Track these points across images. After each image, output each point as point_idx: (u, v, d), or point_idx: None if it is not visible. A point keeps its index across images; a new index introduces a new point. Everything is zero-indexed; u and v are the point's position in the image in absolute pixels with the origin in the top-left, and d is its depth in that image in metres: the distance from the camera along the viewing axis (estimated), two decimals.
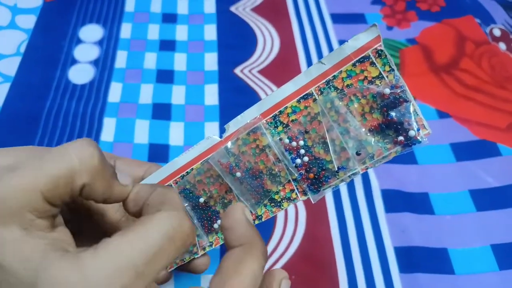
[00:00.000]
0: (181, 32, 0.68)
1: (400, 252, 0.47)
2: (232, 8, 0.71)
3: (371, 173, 0.52)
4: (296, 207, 0.50)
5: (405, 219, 0.49)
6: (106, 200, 0.27)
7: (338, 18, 0.70)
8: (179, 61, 0.64)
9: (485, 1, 0.72)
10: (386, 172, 0.53)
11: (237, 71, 0.63)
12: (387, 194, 0.51)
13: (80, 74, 0.61)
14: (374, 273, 0.45)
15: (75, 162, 0.23)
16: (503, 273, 0.45)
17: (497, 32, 0.67)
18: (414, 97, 0.59)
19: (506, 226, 0.48)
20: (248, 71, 0.62)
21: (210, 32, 0.68)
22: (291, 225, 0.49)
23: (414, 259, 0.46)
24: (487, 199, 0.50)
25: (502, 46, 0.66)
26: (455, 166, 0.53)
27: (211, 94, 0.60)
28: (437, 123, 0.57)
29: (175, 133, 0.56)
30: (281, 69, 0.62)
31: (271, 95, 0.31)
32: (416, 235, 0.48)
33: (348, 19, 0.69)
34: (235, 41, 0.67)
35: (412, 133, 0.27)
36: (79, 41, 0.65)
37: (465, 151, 0.54)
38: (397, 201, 0.50)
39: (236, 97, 0.59)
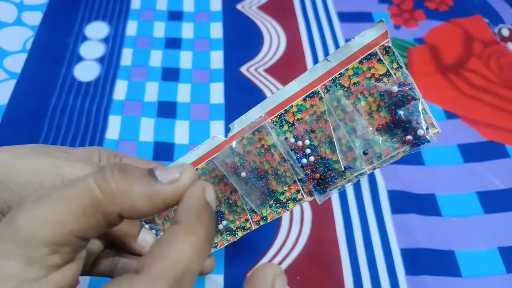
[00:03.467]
0: (187, 30, 0.68)
1: (406, 254, 0.46)
2: (239, 6, 0.71)
3: (378, 174, 0.52)
4: (301, 207, 0.50)
5: (412, 221, 0.48)
6: (160, 208, 0.24)
7: (345, 17, 0.69)
8: (185, 59, 0.64)
9: (494, 1, 0.72)
10: (393, 173, 0.52)
11: (243, 69, 0.62)
12: (393, 195, 0.50)
13: (86, 71, 0.61)
14: (380, 275, 0.45)
15: (96, 192, 0.22)
16: (510, 276, 0.45)
17: (505, 32, 0.67)
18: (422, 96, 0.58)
19: None
20: (254, 70, 0.62)
21: (216, 30, 0.68)
22: (296, 225, 0.48)
23: (420, 261, 0.46)
24: (495, 201, 0.50)
25: (510, 46, 0.65)
26: (462, 167, 0.53)
27: (217, 93, 0.60)
28: (445, 123, 0.57)
29: (180, 132, 0.56)
30: (287, 68, 0.62)
31: (276, 94, 0.31)
32: (422, 237, 0.47)
33: (355, 18, 0.69)
34: (241, 39, 0.66)
35: (420, 132, 0.26)
36: (84, 38, 0.65)
37: (473, 153, 0.54)
38: (404, 202, 0.50)
39: (242, 96, 0.59)
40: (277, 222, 0.48)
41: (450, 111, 0.58)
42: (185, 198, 0.23)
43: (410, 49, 0.65)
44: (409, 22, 0.69)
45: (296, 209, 0.49)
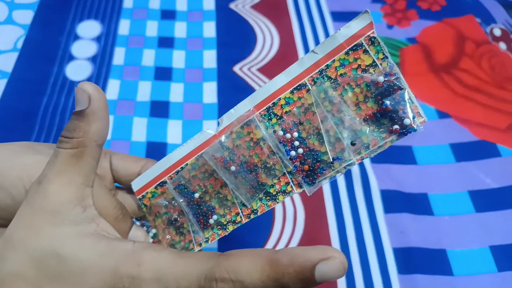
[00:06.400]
0: (179, 29, 0.68)
1: (399, 253, 0.46)
2: (232, 5, 0.71)
3: (370, 173, 0.52)
4: (294, 207, 0.49)
5: (404, 220, 0.48)
6: None
7: (338, 16, 0.69)
8: (178, 59, 0.64)
9: (486, 1, 0.72)
10: (386, 172, 0.52)
11: (236, 69, 0.62)
12: (386, 195, 0.50)
13: (78, 70, 0.61)
14: (373, 274, 0.45)
15: None
16: (501, 274, 0.45)
17: (497, 32, 0.67)
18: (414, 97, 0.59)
19: (505, 227, 0.48)
20: (247, 69, 0.62)
21: (209, 29, 0.68)
22: (289, 225, 0.48)
23: (412, 260, 0.46)
24: (486, 200, 0.50)
25: (502, 46, 0.65)
26: (454, 166, 0.53)
27: (210, 92, 0.60)
28: (437, 123, 0.57)
29: (173, 131, 0.56)
30: (281, 67, 0.61)
31: (264, 87, 0.31)
32: (415, 236, 0.47)
33: (348, 17, 0.68)
34: (234, 38, 0.66)
35: (407, 121, 0.26)
36: (76, 37, 0.65)
37: (464, 152, 0.54)
38: (396, 201, 0.50)
39: (235, 95, 0.59)
40: (270, 222, 0.48)
41: (442, 111, 0.58)
42: None
43: (403, 48, 0.65)
44: (402, 21, 0.69)
45: (289, 209, 0.49)
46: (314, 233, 0.48)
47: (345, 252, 0.46)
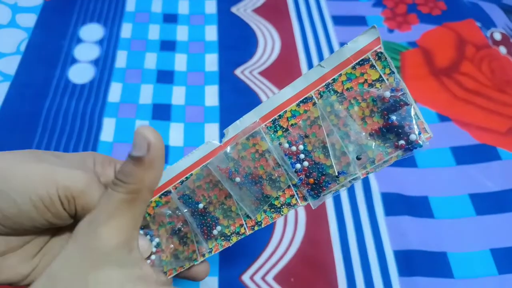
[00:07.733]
0: (181, 33, 0.68)
1: (400, 255, 0.47)
2: (233, 9, 0.71)
3: (371, 176, 0.52)
4: (295, 209, 0.50)
5: (405, 223, 0.49)
6: None
7: (339, 20, 0.69)
8: (180, 62, 0.64)
9: (486, 5, 0.72)
10: (386, 175, 0.52)
11: (238, 72, 0.62)
12: (387, 198, 0.51)
13: (80, 73, 0.61)
14: (374, 277, 0.45)
15: None
16: (502, 277, 0.45)
17: (497, 36, 0.67)
18: (415, 100, 0.59)
19: (506, 230, 0.48)
20: (249, 72, 0.62)
21: (211, 32, 0.68)
22: (290, 227, 0.48)
23: (413, 262, 0.46)
24: (487, 203, 0.50)
25: (502, 50, 0.65)
26: (455, 169, 0.53)
27: (212, 95, 0.60)
28: (438, 126, 0.57)
29: (175, 134, 0.56)
30: (282, 70, 0.62)
31: (270, 99, 0.31)
32: (415, 239, 0.48)
33: (349, 21, 0.69)
34: (236, 42, 0.66)
35: (413, 137, 0.26)
36: (79, 41, 0.65)
37: (465, 155, 0.54)
38: (397, 204, 0.50)
39: (237, 98, 0.59)
40: (271, 225, 0.49)
41: (443, 114, 0.58)
42: None
43: (403, 52, 0.65)
44: (402, 25, 0.69)
45: (290, 211, 0.50)
46: (315, 236, 0.48)
47: (346, 254, 0.47)
